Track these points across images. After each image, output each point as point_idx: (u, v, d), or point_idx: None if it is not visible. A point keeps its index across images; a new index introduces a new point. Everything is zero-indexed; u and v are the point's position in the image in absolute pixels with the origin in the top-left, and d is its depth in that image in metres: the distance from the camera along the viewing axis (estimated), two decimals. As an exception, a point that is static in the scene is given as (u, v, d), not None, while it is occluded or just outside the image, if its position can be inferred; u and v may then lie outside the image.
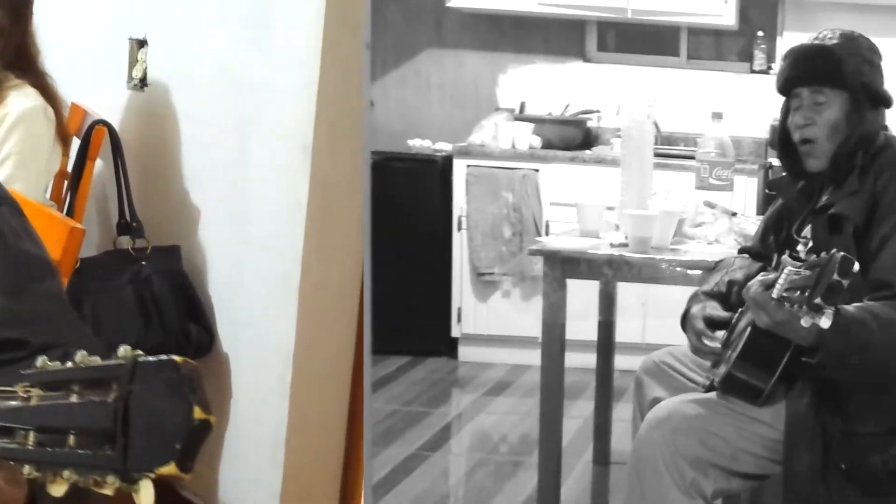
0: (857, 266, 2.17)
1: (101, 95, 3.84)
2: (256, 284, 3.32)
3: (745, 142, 6.70)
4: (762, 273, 2.49)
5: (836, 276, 2.15)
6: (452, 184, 6.26)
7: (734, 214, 3.84)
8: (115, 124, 3.67)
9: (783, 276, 2.29)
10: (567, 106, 6.74)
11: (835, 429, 2.62)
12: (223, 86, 3.40)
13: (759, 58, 6.78)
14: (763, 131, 6.68)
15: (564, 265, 3.43)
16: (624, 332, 4.97)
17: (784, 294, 2.27)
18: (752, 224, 3.68)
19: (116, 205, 3.65)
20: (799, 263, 2.31)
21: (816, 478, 2.62)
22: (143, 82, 3.68)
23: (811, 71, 2.80)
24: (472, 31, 7.00)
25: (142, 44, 3.65)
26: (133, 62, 3.69)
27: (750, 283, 2.51)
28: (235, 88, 3.34)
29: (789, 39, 6.65)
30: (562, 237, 3.67)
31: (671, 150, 6.40)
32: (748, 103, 6.70)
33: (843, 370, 2.51)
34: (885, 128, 2.88)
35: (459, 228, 6.24)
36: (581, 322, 4.71)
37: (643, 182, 3.84)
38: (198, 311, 3.50)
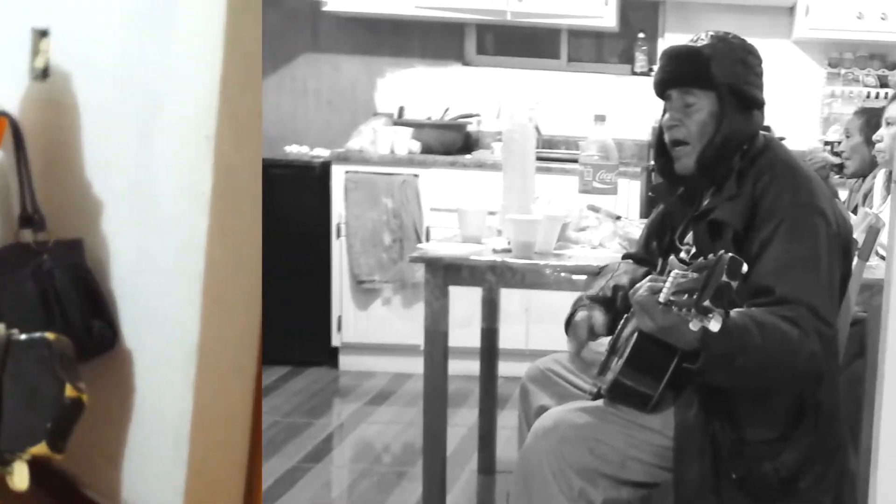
0: (745, 267, 2.14)
1: (2, 86, 3.73)
2: (160, 277, 3.25)
3: (626, 144, 6.73)
4: (650, 278, 2.43)
5: (724, 278, 2.11)
6: (331, 190, 6.16)
7: (618, 218, 3.81)
8: (17, 115, 3.56)
9: (670, 279, 2.26)
10: (446, 110, 6.71)
11: (725, 437, 2.61)
12: (126, 75, 3.33)
13: (641, 59, 6.81)
14: (645, 133, 6.70)
15: (446, 272, 3.36)
16: (507, 338, 4.92)
17: (671, 298, 2.22)
18: (636, 228, 3.66)
19: (18, 197, 3.55)
20: (686, 266, 2.28)
21: (707, 486, 2.60)
22: (45, 72, 3.59)
23: (680, 72, 2.80)
24: (349, 36, 6.94)
25: (43, 34, 3.56)
26: (35, 52, 3.60)
27: (636, 287, 2.47)
28: (138, 78, 3.28)
29: (670, 41, 6.67)
30: (443, 243, 3.59)
31: (553, 153, 6.39)
32: (630, 105, 6.74)
33: (725, 375, 2.48)
34: (767, 129, 2.87)
35: (338, 235, 6.15)
36: (464, 329, 4.66)
37: (526, 186, 3.79)
38: (101, 305, 3.42)
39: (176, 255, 3.17)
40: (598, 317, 2.95)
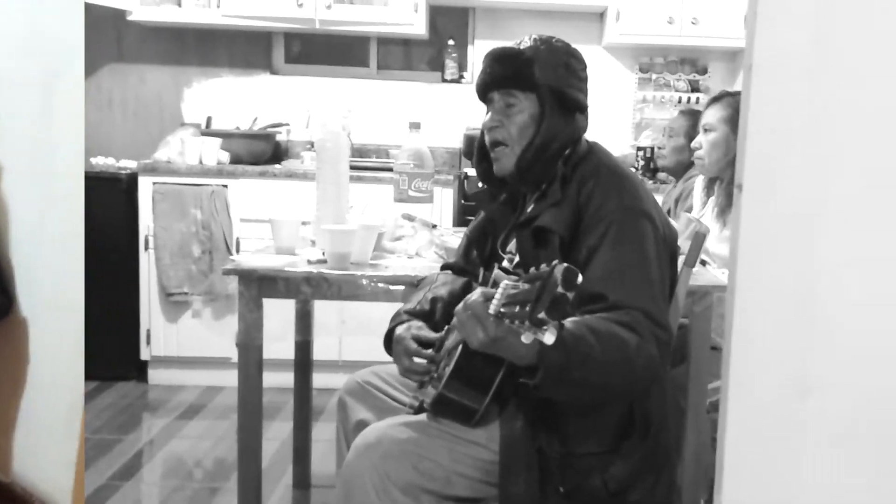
0: (580, 277, 2.05)
1: None
2: (55, 244, 3.20)
3: (438, 152, 6.73)
4: (480, 290, 2.36)
5: (560, 289, 2.02)
6: (138, 202, 6.02)
7: (434, 227, 3.78)
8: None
9: (500, 290, 2.16)
10: (255, 119, 6.65)
11: (552, 450, 2.57)
12: (26, 41, 3.26)
13: (451, 67, 6.82)
14: (457, 141, 6.72)
15: (261, 284, 3.29)
16: (321, 349, 4.87)
17: (502, 310, 2.12)
18: (453, 236, 3.64)
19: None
20: (516, 276, 2.20)
21: (534, 500, 2.56)
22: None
23: (502, 74, 2.79)
24: (155, 45, 6.83)
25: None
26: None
27: (465, 300, 2.37)
28: (38, 44, 3.22)
29: (480, 48, 6.73)
30: (257, 255, 3.51)
31: (365, 162, 6.36)
32: (440, 113, 6.76)
33: (564, 388, 2.40)
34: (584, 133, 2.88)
35: (146, 248, 6.01)
36: (277, 341, 4.60)
37: (340, 195, 3.74)
38: (-3, 272, 3.34)
39: (64, 227, 3.13)
40: (420, 329, 2.88)
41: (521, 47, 2.77)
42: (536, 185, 2.79)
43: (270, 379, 4.13)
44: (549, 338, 2.05)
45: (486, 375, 2.54)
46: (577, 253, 2.59)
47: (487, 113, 2.84)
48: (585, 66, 2.86)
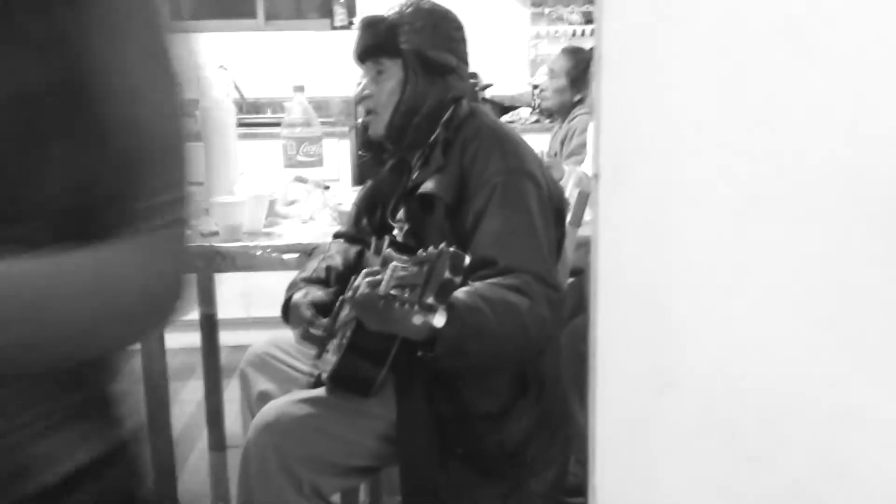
0: (468, 260, 2.05)
1: None
2: None
3: (333, 102, 6.69)
4: (365, 272, 2.35)
5: (447, 274, 2.02)
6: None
7: (327, 188, 3.76)
8: None
9: (388, 272, 2.17)
10: (145, 79, 6.51)
11: (449, 413, 2.60)
12: None
13: (340, 13, 6.74)
14: (351, 89, 6.66)
15: (155, 260, 3.26)
16: (227, 307, 4.84)
17: (392, 292, 2.11)
18: (347, 196, 3.63)
19: None
20: (405, 258, 2.19)
21: (433, 464, 2.58)
22: None
23: (370, 42, 2.79)
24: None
25: None
26: None
27: (354, 287, 2.37)
28: None
29: (368, -8, 6.65)
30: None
31: (258, 118, 6.30)
32: (332, 61, 6.68)
33: (460, 359, 2.41)
34: (474, 76, 2.88)
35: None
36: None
37: (228, 166, 3.70)
38: None
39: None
40: (317, 294, 2.88)
41: (387, 14, 2.77)
42: (417, 149, 2.80)
43: (181, 340, 4.11)
44: (438, 320, 2.05)
45: (382, 347, 2.55)
46: (465, 217, 2.59)
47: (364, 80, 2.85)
48: (459, 27, 2.83)
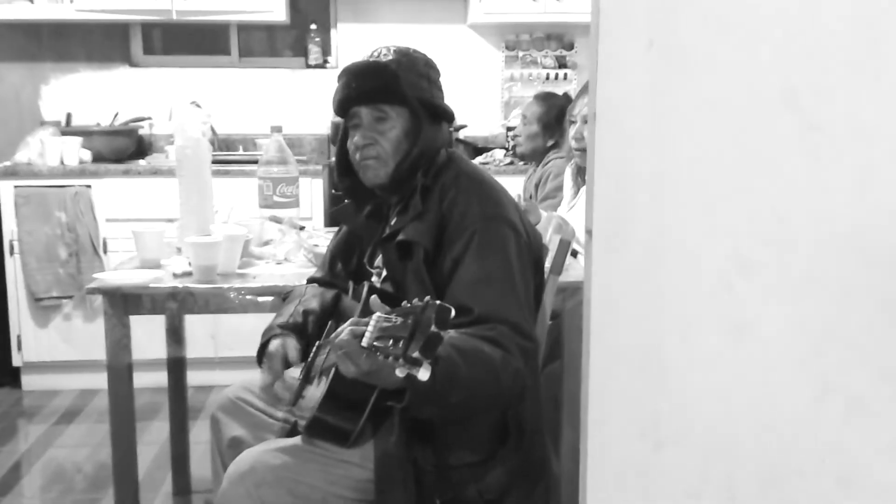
0: (453, 313, 2.03)
1: None
2: None
3: (306, 139, 6.69)
4: (351, 321, 2.30)
5: (433, 328, 1.99)
6: (0, 207, 5.87)
7: (302, 228, 3.74)
8: None
9: (372, 323, 2.11)
10: (116, 114, 6.52)
11: (427, 463, 2.58)
12: None
13: (315, 52, 6.73)
14: (324, 127, 6.67)
15: (126, 302, 3.23)
16: (195, 346, 4.82)
17: (375, 343, 2.08)
18: (322, 238, 3.61)
19: None
20: (388, 308, 2.16)
21: None
22: None
23: (368, 89, 2.73)
24: (8, 43, 6.63)
25: None
26: None
27: (337, 332, 2.32)
28: None
29: (343, 31, 6.66)
30: (121, 272, 3.43)
31: (231, 156, 6.28)
32: (306, 99, 6.70)
33: (432, 409, 2.39)
34: (451, 144, 2.86)
35: (12, 253, 5.88)
36: (150, 341, 4.53)
37: (203, 204, 3.68)
38: None
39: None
40: (292, 345, 2.85)
41: (385, 60, 2.73)
42: (399, 197, 2.77)
43: (145, 379, 4.08)
44: (423, 374, 2.02)
45: (361, 397, 2.52)
46: (442, 264, 2.58)
47: (350, 129, 2.80)
48: (440, 75, 2.83)
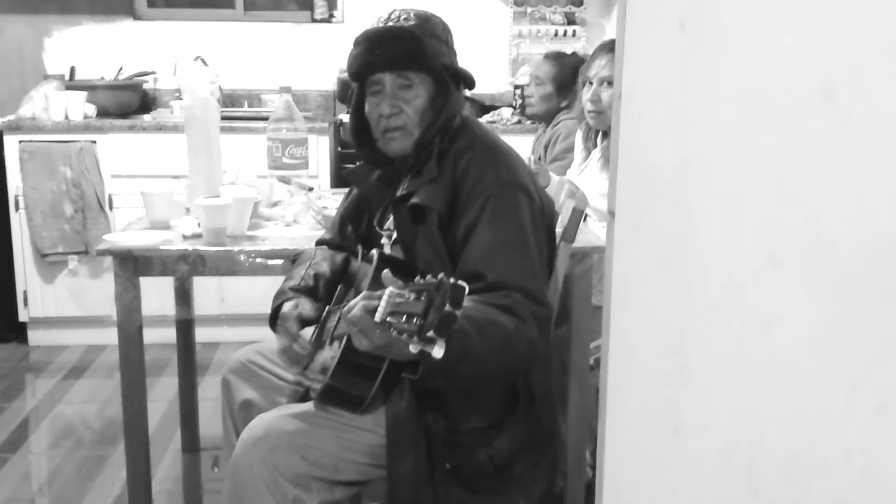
0: (467, 290, 1.99)
1: None
2: None
3: (311, 95, 6.65)
4: (363, 295, 2.26)
5: (448, 307, 1.95)
6: (5, 161, 5.86)
7: (310, 189, 3.73)
8: None
9: (385, 298, 2.09)
10: (120, 69, 6.48)
11: (437, 428, 2.59)
12: None
13: (320, 6, 6.66)
14: (329, 83, 6.62)
15: (136, 264, 3.22)
16: (202, 304, 4.82)
17: (389, 319, 2.06)
18: (331, 199, 3.60)
19: None
20: (401, 283, 2.13)
21: (421, 478, 2.58)
22: None
23: (393, 55, 2.67)
24: (10, -6, 6.57)
25: None
26: None
27: (349, 306, 2.27)
28: None
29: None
30: (130, 233, 3.42)
31: (237, 112, 6.25)
32: (312, 54, 6.65)
33: (445, 379, 2.41)
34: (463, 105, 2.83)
35: (17, 208, 5.87)
36: (159, 296, 4.54)
37: (212, 165, 3.67)
38: None
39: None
40: (306, 306, 2.84)
41: (408, 26, 2.68)
42: (415, 160, 2.74)
43: (153, 335, 4.08)
44: (437, 352, 2.00)
45: (373, 364, 2.50)
46: (456, 229, 2.57)
47: (369, 95, 2.75)
48: (453, 38, 2.80)
